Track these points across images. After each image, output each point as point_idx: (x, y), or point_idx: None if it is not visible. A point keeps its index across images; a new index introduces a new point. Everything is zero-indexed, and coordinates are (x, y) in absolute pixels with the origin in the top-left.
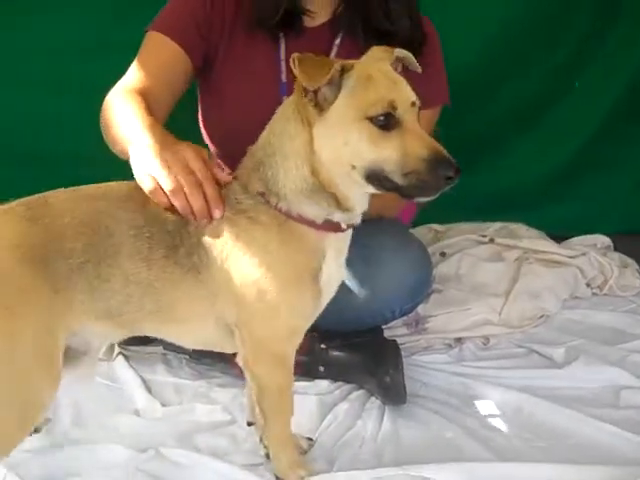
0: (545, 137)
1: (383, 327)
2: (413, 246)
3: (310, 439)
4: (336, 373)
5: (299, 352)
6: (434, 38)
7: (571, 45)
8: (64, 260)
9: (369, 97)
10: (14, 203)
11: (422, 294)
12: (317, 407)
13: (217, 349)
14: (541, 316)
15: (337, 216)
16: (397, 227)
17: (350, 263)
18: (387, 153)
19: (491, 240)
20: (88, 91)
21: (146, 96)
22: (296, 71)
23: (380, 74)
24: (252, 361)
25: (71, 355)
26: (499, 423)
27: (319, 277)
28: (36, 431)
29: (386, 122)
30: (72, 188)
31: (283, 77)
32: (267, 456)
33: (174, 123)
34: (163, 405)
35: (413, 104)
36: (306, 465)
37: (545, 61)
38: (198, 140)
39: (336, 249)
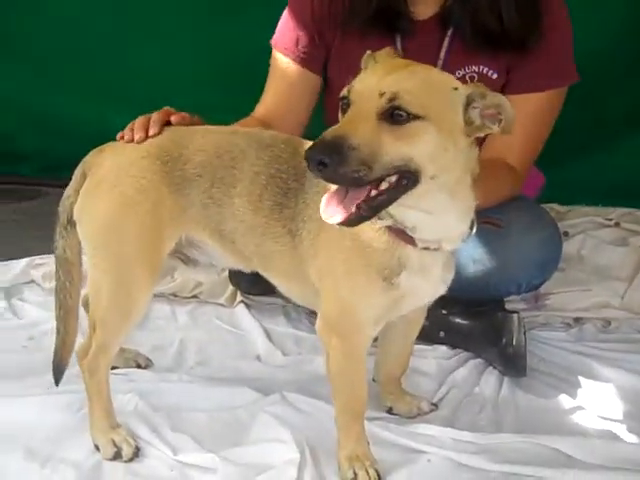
0: None
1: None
2: (546, 222)
3: (434, 405)
4: (456, 339)
5: None
6: (557, 21)
7: None
8: (181, 164)
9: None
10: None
11: (551, 271)
12: (436, 371)
13: (315, 309)
14: None
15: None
16: (530, 203)
17: (482, 233)
18: None
19: (617, 224)
20: None
21: (270, 119)
22: None
23: (381, 65)
24: (320, 328)
25: (196, 265)
26: (619, 405)
27: (396, 282)
28: (140, 367)
29: (343, 105)
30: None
31: None
32: (390, 411)
33: None
34: (284, 354)
35: (381, 95)
36: (372, 460)
37: None
38: None
39: (420, 264)
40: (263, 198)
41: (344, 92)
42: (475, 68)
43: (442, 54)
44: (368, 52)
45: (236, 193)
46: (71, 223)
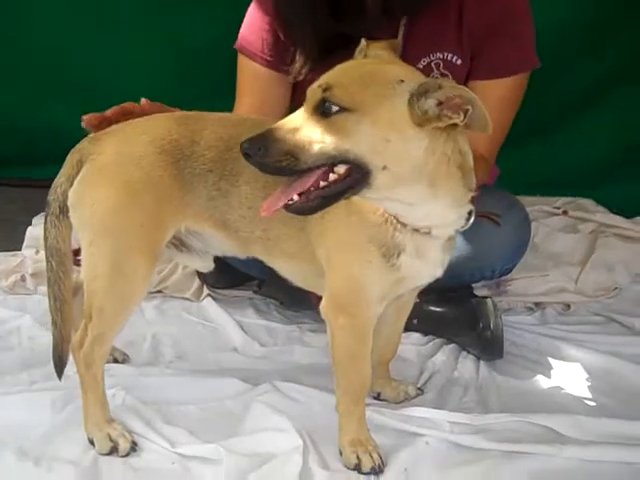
0: (612, 117)
1: None
2: (517, 208)
3: (419, 389)
4: (429, 326)
5: None
6: (513, 3)
7: None
8: (192, 162)
9: None
10: (180, 112)
11: (521, 255)
12: (415, 357)
13: (315, 290)
14: (615, 288)
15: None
16: (498, 190)
17: None
18: None
19: (564, 212)
20: None
21: None
22: None
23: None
24: (326, 308)
25: (191, 252)
26: (593, 383)
27: (396, 263)
28: (118, 362)
29: None
30: (231, 114)
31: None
32: (378, 397)
33: None
34: (261, 345)
35: (319, 88)
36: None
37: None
38: None
39: (415, 247)
40: (270, 182)
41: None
42: (439, 55)
43: (399, 40)
44: (363, 42)
45: (244, 181)
46: (63, 212)
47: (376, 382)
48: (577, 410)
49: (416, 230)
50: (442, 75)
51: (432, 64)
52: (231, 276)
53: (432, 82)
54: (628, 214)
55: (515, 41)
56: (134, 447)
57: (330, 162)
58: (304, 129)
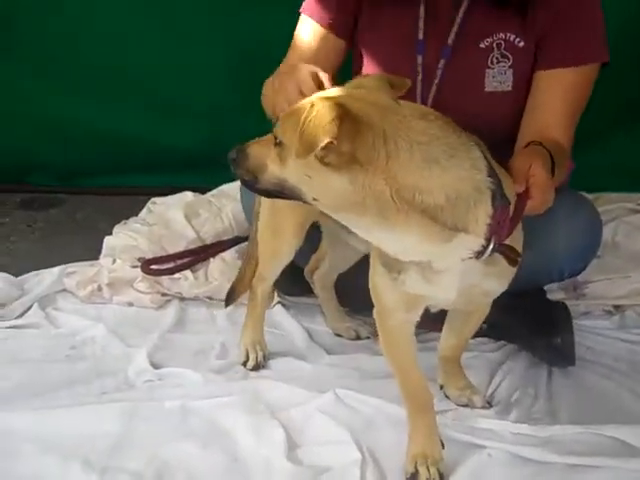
0: None
1: None
2: (587, 207)
3: (488, 403)
4: (499, 332)
5: None
6: None
7: None
8: None
9: None
10: None
11: (592, 257)
12: (483, 364)
13: None
14: None
15: None
16: (568, 189)
17: (525, 219)
18: None
19: None
20: None
21: None
22: None
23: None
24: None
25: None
26: None
27: (399, 279)
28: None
29: None
30: None
31: (420, 34)
32: (441, 387)
33: None
34: (328, 353)
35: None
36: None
37: None
38: None
39: (420, 272)
40: None
41: None
42: (502, 35)
43: (459, 18)
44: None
45: None
46: None
47: (442, 374)
48: None
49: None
50: (502, 56)
51: (494, 44)
52: (304, 283)
53: None
54: None
55: (584, 31)
56: (257, 367)
57: (281, 189)
58: (266, 151)
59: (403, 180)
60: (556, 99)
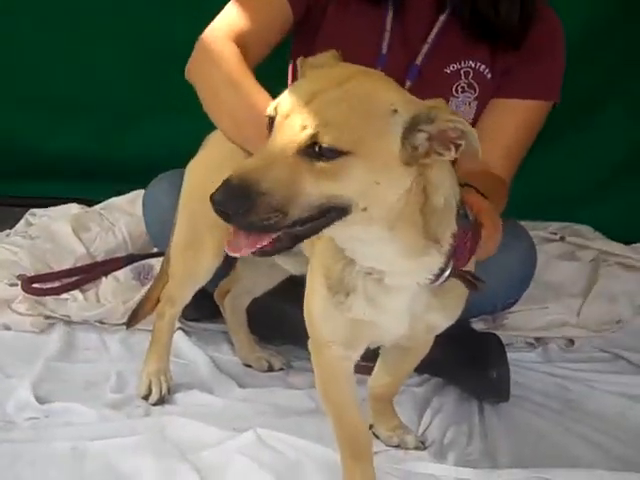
0: (597, 139)
1: None
2: (523, 239)
3: (422, 443)
4: (425, 366)
5: None
6: (556, 31)
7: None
8: None
9: None
10: None
11: (525, 289)
12: (411, 400)
13: None
14: (618, 321)
15: None
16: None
17: None
18: None
19: (562, 238)
20: None
21: (242, 45)
22: None
23: (314, 78)
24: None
25: None
26: (608, 430)
27: (345, 303)
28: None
29: (269, 125)
30: None
31: (384, 48)
32: (370, 427)
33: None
34: (239, 386)
35: (303, 127)
36: None
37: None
38: None
39: (365, 292)
40: None
41: (270, 110)
42: (472, 64)
43: (430, 38)
44: (300, 59)
45: None
46: None
47: (372, 413)
48: (593, 461)
49: (368, 273)
50: (468, 85)
51: (462, 71)
52: (206, 307)
53: (425, 112)
54: (613, 236)
55: (547, 70)
56: (162, 401)
57: (317, 211)
58: (293, 178)
59: (430, 178)
60: (508, 128)
